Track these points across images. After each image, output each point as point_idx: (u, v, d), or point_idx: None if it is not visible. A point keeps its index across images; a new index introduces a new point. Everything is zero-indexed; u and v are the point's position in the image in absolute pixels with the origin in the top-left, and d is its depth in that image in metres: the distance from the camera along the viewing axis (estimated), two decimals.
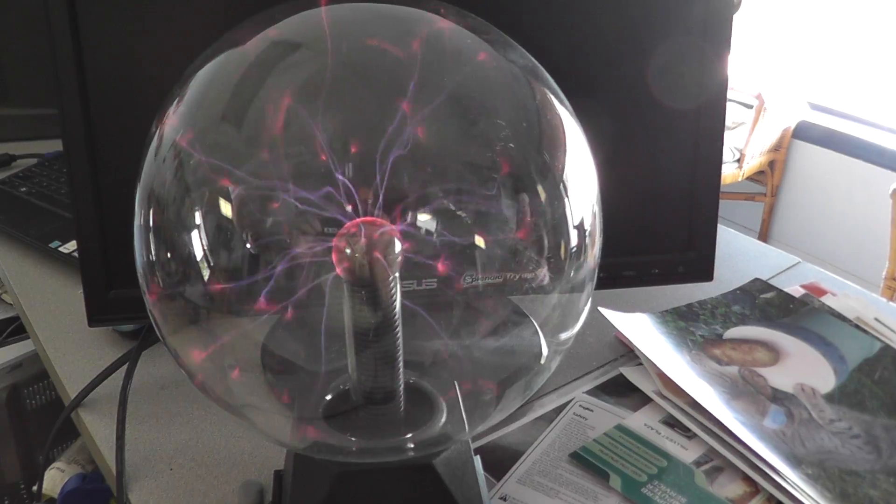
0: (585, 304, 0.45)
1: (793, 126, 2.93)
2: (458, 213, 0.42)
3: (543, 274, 0.44)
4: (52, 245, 0.90)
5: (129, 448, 0.62)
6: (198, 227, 0.41)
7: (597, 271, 0.44)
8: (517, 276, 0.48)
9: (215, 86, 0.40)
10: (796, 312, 0.83)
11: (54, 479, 0.88)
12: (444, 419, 0.48)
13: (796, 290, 0.87)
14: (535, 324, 0.55)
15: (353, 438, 0.44)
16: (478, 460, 0.58)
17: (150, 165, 0.40)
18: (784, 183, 3.05)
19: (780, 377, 0.72)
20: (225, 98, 0.40)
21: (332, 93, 0.39)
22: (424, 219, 0.44)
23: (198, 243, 0.41)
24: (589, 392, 0.69)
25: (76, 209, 0.60)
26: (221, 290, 0.42)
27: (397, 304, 0.43)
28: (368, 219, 0.42)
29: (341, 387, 0.49)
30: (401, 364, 0.45)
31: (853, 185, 2.83)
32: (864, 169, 2.81)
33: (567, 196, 0.42)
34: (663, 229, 0.69)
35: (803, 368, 0.74)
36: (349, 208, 0.40)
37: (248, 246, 0.44)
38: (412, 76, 0.38)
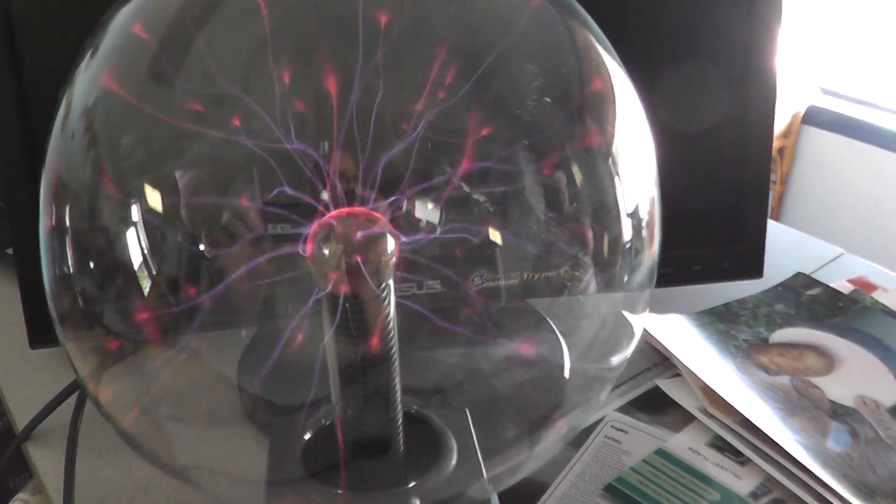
0: (642, 317, 0.36)
1: (802, 111, 2.83)
2: (471, 197, 0.32)
3: (587, 279, 0.34)
4: (8, 251, 0.80)
5: (82, 488, 0.52)
6: (128, 227, 0.32)
7: (656, 274, 0.34)
8: (546, 275, 0.38)
9: (140, 31, 0.30)
10: (846, 311, 0.74)
11: None
12: (454, 461, 0.38)
13: (843, 286, 0.78)
14: (562, 341, 0.46)
15: (338, 491, 0.35)
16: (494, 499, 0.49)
17: (57, 144, 0.30)
18: (794, 170, 2.95)
19: (837, 388, 0.63)
20: (153, 46, 0.30)
21: (300, 36, 0.30)
22: (425, 207, 0.34)
23: (129, 250, 0.32)
24: (621, 409, 0.59)
25: (10, 210, 0.51)
26: (163, 312, 0.33)
27: (392, 322, 0.33)
28: (351, 209, 0.32)
29: (322, 421, 0.39)
30: (398, 400, 0.35)
31: (866, 172, 2.73)
32: (877, 155, 2.70)
33: (618, 175, 0.32)
34: (706, 219, 0.59)
35: (862, 377, 0.65)
36: (325, 195, 0.31)
37: (199, 249, 0.34)
38: (404, 13, 0.28)
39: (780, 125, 2.76)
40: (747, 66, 0.56)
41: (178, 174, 0.34)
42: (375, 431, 0.37)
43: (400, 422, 0.37)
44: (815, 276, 0.80)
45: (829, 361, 0.67)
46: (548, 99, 0.32)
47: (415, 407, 0.41)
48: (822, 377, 0.64)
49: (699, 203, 0.59)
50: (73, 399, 0.55)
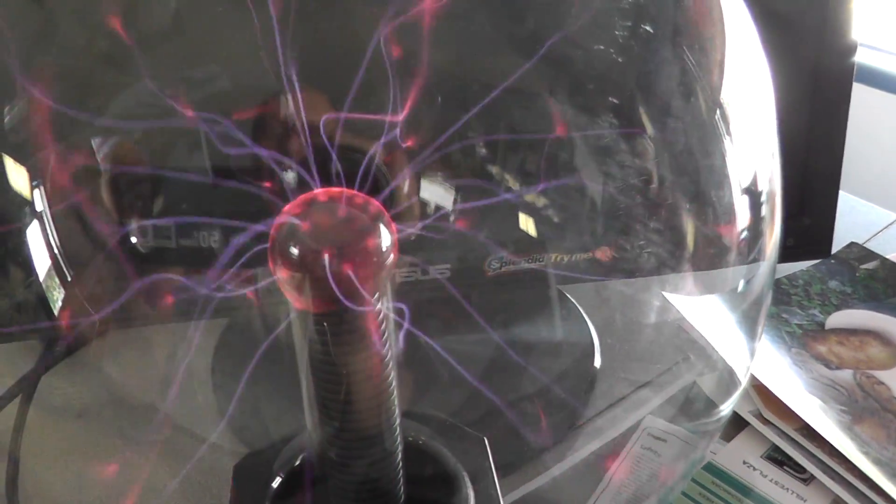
0: (758, 340, 0.27)
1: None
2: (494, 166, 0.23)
3: (685, 283, 0.25)
4: None
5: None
6: (33, 217, 0.23)
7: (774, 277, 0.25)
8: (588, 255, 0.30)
9: None
10: None
11: None
12: None
13: None
14: (594, 334, 0.37)
15: None
16: None
17: None
18: None
19: None
20: None
21: None
22: (435, 184, 0.26)
23: (39, 248, 0.23)
24: (656, 412, 0.51)
25: None
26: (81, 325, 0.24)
27: (388, 343, 0.25)
28: (331, 190, 0.23)
29: (295, 462, 0.31)
30: (397, 436, 0.26)
31: (884, 120, 2.62)
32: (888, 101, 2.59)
33: (728, 134, 0.23)
34: None
35: None
36: (290, 174, 0.21)
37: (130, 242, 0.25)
38: None
39: None
40: (823, 23, 0.46)
41: (95, 143, 0.25)
42: (366, 475, 0.28)
43: (400, 463, 0.29)
44: (868, 245, 0.71)
45: (893, 350, 0.58)
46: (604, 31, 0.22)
47: (422, 438, 0.32)
48: (889, 370, 0.56)
49: None
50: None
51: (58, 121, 0.24)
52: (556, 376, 0.42)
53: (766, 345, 0.55)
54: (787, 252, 0.55)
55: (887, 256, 0.69)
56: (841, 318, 0.61)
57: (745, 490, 0.45)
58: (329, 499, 0.28)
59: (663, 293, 0.29)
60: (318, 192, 0.21)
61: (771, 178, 0.24)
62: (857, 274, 0.66)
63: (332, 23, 0.25)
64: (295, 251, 0.21)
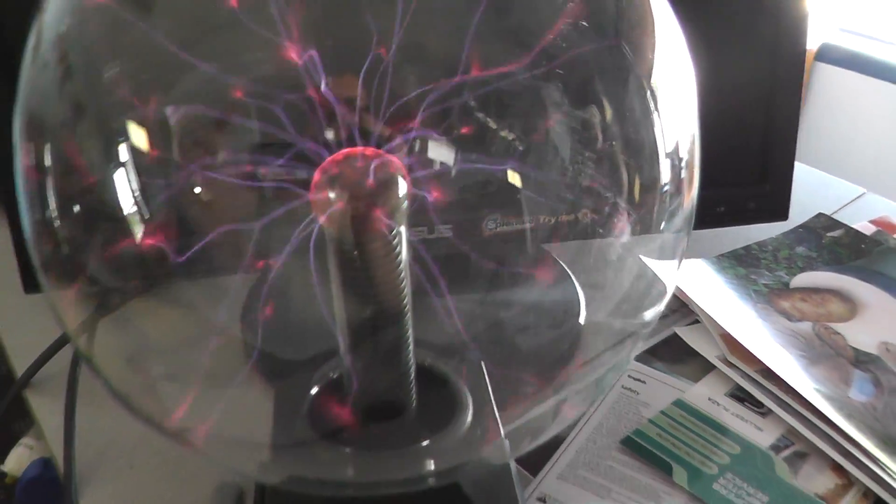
0: (678, 267, 0.33)
1: (815, 49, 2.76)
2: (489, 131, 0.29)
3: (619, 224, 0.31)
4: None
5: (82, 438, 0.51)
6: (115, 168, 0.29)
7: (692, 220, 0.32)
8: (570, 219, 0.36)
9: None
10: (869, 254, 0.71)
11: (21, 457, 0.77)
12: (469, 419, 0.36)
13: (866, 227, 0.75)
14: (577, 286, 0.43)
15: (348, 472, 0.32)
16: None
17: (30, 77, 0.27)
18: (806, 107, 2.89)
19: (860, 334, 0.61)
20: None
21: None
22: (439, 144, 0.32)
23: (118, 193, 0.29)
24: (638, 358, 0.57)
25: None
26: (155, 260, 0.30)
27: (404, 273, 0.31)
28: (358, 149, 0.29)
29: (331, 374, 0.37)
30: (411, 356, 0.33)
31: (880, 109, 2.67)
32: (891, 91, 2.64)
33: (657, 109, 0.29)
34: (732, 158, 0.56)
35: (885, 323, 0.63)
36: (330, 135, 0.28)
37: (194, 192, 0.31)
38: None
39: None
40: (778, 11, 0.52)
41: (168, 110, 0.31)
42: (386, 389, 0.35)
43: (413, 378, 0.35)
44: (837, 216, 0.77)
45: (851, 306, 0.65)
46: (583, 24, 0.29)
47: (428, 360, 0.38)
48: (845, 323, 0.62)
49: (725, 141, 0.55)
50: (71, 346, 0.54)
51: (139, 90, 0.30)
52: (546, 325, 0.48)
53: (734, 300, 0.62)
54: (749, 214, 0.62)
55: (852, 225, 0.75)
56: (805, 279, 0.67)
57: (710, 422, 0.51)
58: (356, 409, 0.35)
59: (620, 240, 0.35)
60: (355, 149, 0.28)
61: (689, 148, 0.30)
62: (823, 241, 0.73)
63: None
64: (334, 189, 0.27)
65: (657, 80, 0.29)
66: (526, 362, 0.38)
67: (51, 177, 0.28)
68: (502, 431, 0.36)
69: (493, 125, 0.34)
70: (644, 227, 0.31)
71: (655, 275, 0.34)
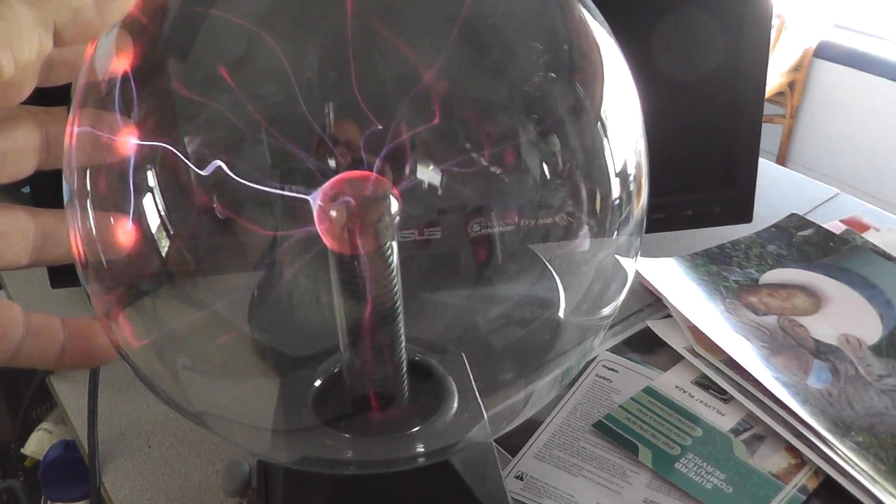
0: (633, 264, 0.38)
1: (814, 45, 2.80)
2: (470, 160, 0.34)
3: (582, 235, 0.36)
4: (24, 190, 0.82)
5: (103, 422, 0.56)
6: (144, 193, 0.34)
7: (644, 225, 0.37)
8: (542, 223, 0.41)
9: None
10: (837, 251, 0.76)
11: (41, 441, 0.83)
12: (455, 406, 0.41)
13: (836, 226, 0.80)
14: (558, 282, 0.48)
15: (349, 454, 0.37)
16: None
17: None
18: (804, 104, 2.93)
19: (822, 327, 0.65)
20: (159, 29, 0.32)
21: (305, 18, 0.31)
22: (428, 170, 0.36)
23: (147, 214, 0.34)
24: (613, 349, 0.62)
25: None
26: (177, 264, 0.35)
27: (396, 281, 0.36)
28: (357, 173, 0.34)
29: (333, 369, 0.42)
30: (403, 354, 0.38)
31: (877, 105, 2.71)
32: (889, 88, 2.68)
33: (606, 137, 0.34)
34: (698, 165, 0.60)
35: (847, 316, 0.67)
36: (332, 162, 0.33)
37: (213, 211, 0.36)
38: None
39: (791, 59, 2.73)
40: (742, 12, 0.57)
41: (187, 140, 0.36)
42: (381, 382, 0.40)
43: (404, 372, 0.40)
44: (810, 216, 0.81)
45: (816, 301, 0.69)
46: (552, 74, 0.34)
47: (418, 355, 0.43)
48: (809, 316, 0.67)
49: (692, 149, 0.60)
50: None
51: (164, 121, 0.35)
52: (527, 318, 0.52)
53: (703, 296, 0.66)
54: (715, 218, 0.67)
55: (823, 225, 0.80)
56: (774, 276, 0.72)
57: (676, 407, 0.56)
58: (355, 399, 0.40)
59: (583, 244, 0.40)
60: (354, 173, 0.33)
61: (637, 165, 0.35)
62: (794, 239, 0.77)
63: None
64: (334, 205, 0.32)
65: (606, 111, 0.34)
66: (506, 354, 0.43)
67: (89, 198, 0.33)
68: (485, 415, 0.40)
69: (475, 155, 0.38)
70: (601, 231, 0.36)
71: (615, 272, 0.39)
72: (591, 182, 0.35)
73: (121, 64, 0.31)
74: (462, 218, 0.50)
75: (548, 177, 0.36)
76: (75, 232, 0.33)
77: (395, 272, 0.36)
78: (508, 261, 0.47)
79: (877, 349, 0.63)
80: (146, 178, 0.35)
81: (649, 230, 0.61)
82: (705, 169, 0.61)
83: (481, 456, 0.44)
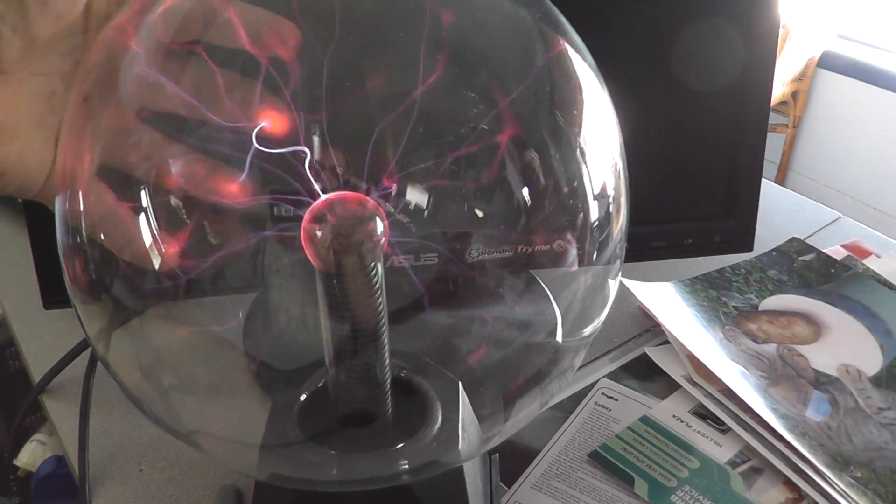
0: (613, 288, 0.38)
1: (818, 56, 2.80)
2: (452, 184, 0.34)
3: (568, 255, 0.36)
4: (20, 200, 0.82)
5: (95, 443, 0.55)
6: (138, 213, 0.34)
7: (624, 244, 0.37)
8: (526, 249, 0.41)
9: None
10: (838, 278, 0.75)
11: (34, 452, 0.82)
12: (437, 427, 0.41)
13: (837, 252, 0.79)
14: (556, 307, 0.48)
15: (333, 472, 0.37)
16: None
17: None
18: (807, 114, 2.93)
19: (822, 357, 0.65)
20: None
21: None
22: (413, 193, 0.36)
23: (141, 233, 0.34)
24: (610, 375, 0.62)
25: None
26: (170, 285, 0.35)
27: (381, 302, 0.36)
28: (341, 194, 0.34)
29: (317, 384, 0.42)
30: (387, 373, 0.38)
31: (880, 117, 2.71)
32: (891, 100, 2.68)
33: (585, 162, 0.34)
34: (699, 194, 0.60)
35: (847, 345, 0.67)
36: (317, 186, 0.33)
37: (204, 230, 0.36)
38: (397, 21, 0.30)
39: (795, 69, 2.73)
40: (746, 41, 0.56)
41: (174, 166, 0.36)
42: (365, 399, 0.39)
43: (388, 390, 0.40)
44: (811, 240, 0.81)
45: (816, 329, 0.69)
46: (518, 103, 0.34)
47: (404, 371, 0.43)
48: (809, 345, 0.66)
49: (692, 178, 0.60)
50: (87, 353, 0.58)
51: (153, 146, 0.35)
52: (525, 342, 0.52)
53: (702, 322, 0.66)
54: (715, 247, 0.66)
55: (823, 250, 0.79)
56: (774, 302, 0.71)
57: (672, 438, 0.56)
58: (340, 416, 0.39)
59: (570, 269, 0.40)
60: (340, 194, 0.33)
61: (615, 188, 0.36)
62: (795, 264, 0.77)
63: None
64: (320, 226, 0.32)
65: (585, 138, 0.35)
66: (488, 374, 0.43)
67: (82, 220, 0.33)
68: (461, 443, 0.40)
69: (464, 180, 0.38)
70: (583, 254, 0.37)
71: (595, 293, 0.39)
72: (570, 205, 0.36)
73: None
74: (447, 240, 0.49)
75: (528, 202, 0.37)
76: (66, 252, 0.33)
77: (380, 292, 0.36)
78: (493, 283, 0.47)
79: (877, 380, 0.63)
80: (140, 199, 0.35)
81: (649, 258, 0.61)
82: (706, 198, 0.61)
83: (451, 485, 0.43)
